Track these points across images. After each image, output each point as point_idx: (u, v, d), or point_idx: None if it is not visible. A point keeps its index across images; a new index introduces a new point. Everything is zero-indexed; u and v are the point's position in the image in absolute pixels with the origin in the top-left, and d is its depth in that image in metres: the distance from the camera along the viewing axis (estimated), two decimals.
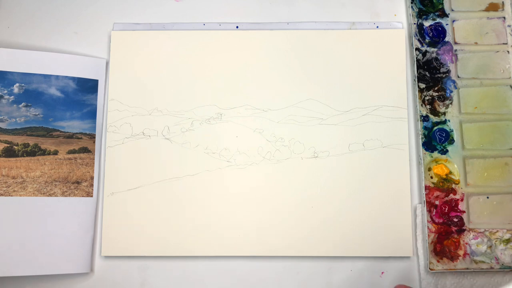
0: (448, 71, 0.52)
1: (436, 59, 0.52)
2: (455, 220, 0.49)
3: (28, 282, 0.49)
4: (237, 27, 0.53)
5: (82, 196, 0.50)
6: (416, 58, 0.52)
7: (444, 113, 0.51)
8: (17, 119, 0.50)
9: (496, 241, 0.49)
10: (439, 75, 0.52)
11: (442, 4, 0.53)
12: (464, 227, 0.49)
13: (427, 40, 0.52)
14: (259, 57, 0.52)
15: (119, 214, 0.50)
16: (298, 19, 0.54)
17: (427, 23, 0.52)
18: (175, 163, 0.50)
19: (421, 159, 0.50)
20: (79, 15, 0.54)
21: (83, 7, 0.54)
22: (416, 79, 0.51)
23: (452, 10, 0.53)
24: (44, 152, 0.51)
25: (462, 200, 0.49)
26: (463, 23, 0.52)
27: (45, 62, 0.51)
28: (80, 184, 0.50)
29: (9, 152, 0.50)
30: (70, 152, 0.51)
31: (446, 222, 0.49)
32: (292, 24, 0.53)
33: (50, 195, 0.49)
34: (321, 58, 0.52)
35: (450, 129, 0.51)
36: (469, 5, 0.53)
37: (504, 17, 0.53)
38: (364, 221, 0.49)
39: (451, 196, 0.49)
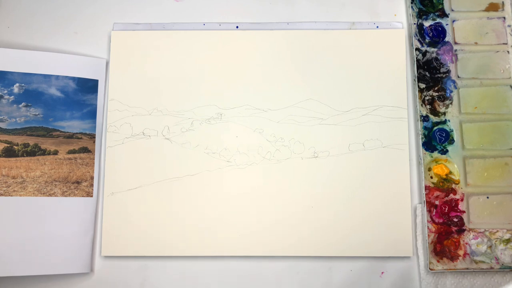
0: (448, 71, 0.52)
1: (436, 59, 0.52)
2: (455, 220, 0.49)
3: (28, 282, 0.49)
4: (237, 27, 0.53)
5: (82, 196, 0.50)
6: (416, 58, 0.52)
7: (444, 113, 0.51)
8: (17, 119, 0.50)
9: (496, 241, 0.49)
10: (439, 75, 0.52)
11: (442, 4, 0.53)
12: (464, 227, 0.49)
13: (427, 40, 0.52)
14: (259, 57, 0.52)
15: (119, 214, 0.50)
16: (298, 19, 0.54)
17: (427, 23, 0.52)
18: (175, 163, 0.50)
19: (421, 159, 0.50)
20: (79, 15, 0.54)
21: (83, 7, 0.54)
22: (416, 79, 0.51)
23: (452, 10, 0.53)
24: (44, 152, 0.51)
25: (462, 200, 0.49)
26: (463, 23, 0.52)
27: (45, 62, 0.51)
28: (80, 184, 0.50)
29: (9, 152, 0.50)
30: (70, 152, 0.51)
31: (446, 222, 0.49)
32: (292, 24, 0.53)
33: (50, 195, 0.49)
34: (321, 58, 0.52)
35: (450, 129, 0.51)
36: (469, 5, 0.53)
37: (504, 17, 0.53)
38: (364, 221, 0.49)
39: (451, 196, 0.49)
